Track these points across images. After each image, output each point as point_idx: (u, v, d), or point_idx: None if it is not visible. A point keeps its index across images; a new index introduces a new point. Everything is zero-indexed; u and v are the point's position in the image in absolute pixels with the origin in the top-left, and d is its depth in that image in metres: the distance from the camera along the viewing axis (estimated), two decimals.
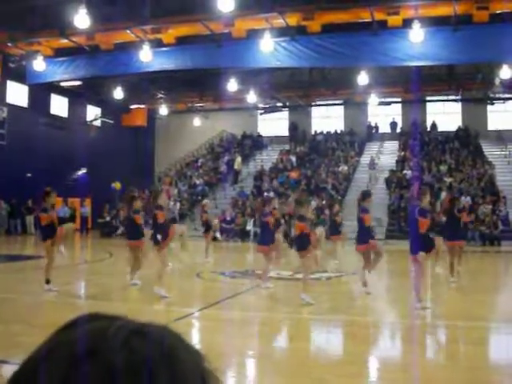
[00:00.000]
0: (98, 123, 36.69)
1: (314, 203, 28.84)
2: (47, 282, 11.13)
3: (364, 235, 11.41)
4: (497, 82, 28.35)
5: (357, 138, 38.37)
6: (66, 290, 11.40)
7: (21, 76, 26.44)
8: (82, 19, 20.10)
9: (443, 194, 27.56)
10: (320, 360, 6.88)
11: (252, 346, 7.57)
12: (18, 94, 30.21)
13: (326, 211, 27.89)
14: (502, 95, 32.61)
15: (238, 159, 36.09)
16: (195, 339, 7.55)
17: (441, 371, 6.29)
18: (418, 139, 33.32)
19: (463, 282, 12.89)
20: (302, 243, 10.33)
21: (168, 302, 10.39)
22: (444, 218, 13.44)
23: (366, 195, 11.98)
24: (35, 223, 28.06)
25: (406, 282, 13.67)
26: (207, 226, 18.24)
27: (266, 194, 30.88)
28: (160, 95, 34.60)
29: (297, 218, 10.49)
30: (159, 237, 10.74)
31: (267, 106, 36.94)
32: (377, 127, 39.09)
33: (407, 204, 26.94)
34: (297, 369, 6.27)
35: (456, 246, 12.98)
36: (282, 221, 26.42)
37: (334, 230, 17.56)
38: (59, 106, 33.56)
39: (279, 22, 21.21)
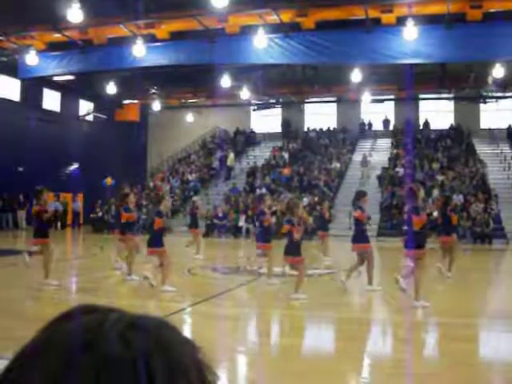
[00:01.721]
0: (90, 118, 36.61)
1: (305, 200, 28.97)
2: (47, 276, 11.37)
3: (360, 235, 11.46)
4: (489, 80, 28.45)
5: (349, 135, 38.42)
6: (59, 285, 11.36)
7: (13, 70, 26.33)
8: (75, 13, 20.04)
9: (435, 192, 27.68)
10: (311, 357, 6.89)
11: (243, 342, 7.58)
12: (10, 88, 30.08)
13: (318, 208, 28.03)
14: (494, 94, 32.73)
15: (231, 155, 36.09)
16: (187, 334, 7.53)
17: (432, 368, 6.31)
18: (410, 137, 33.38)
19: (455, 279, 12.93)
20: (295, 250, 10.35)
21: (160, 298, 10.39)
22: (436, 215, 13.57)
23: (360, 194, 12.04)
24: (27, 218, 28.04)
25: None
26: (195, 222, 18.27)
27: (258, 190, 30.93)
28: (153, 91, 34.55)
29: (287, 222, 10.53)
30: (159, 241, 10.97)
31: (260, 102, 36.94)
32: (370, 124, 39.13)
33: (399, 201, 27.06)
34: (287, 365, 6.29)
35: (448, 242, 13.22)
36: (274, 218, 26.53)
37: (322, 226, 17.54)
38: (52, 100, 33.44)
39: (273, 18, 21.20)
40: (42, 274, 11.36)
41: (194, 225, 18.32)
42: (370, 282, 11.40)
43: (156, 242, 11.01)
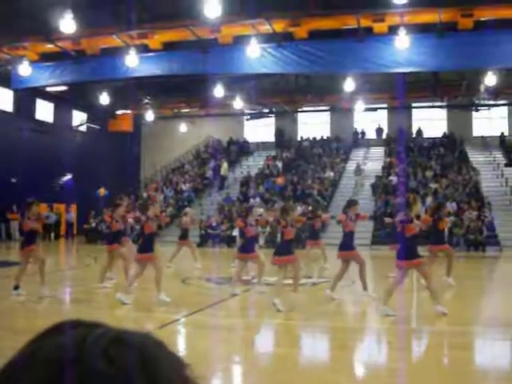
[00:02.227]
0: (83, 129, 36.56)
1: (299, 209, 28.97)
2: (16, 287, 11.39)
3: (344, 243, 11.49)
4: (482, 88, 28.56)
5: (343, 144, 38.51)
6: (51, 296, 11.30)
7: (6, 81, 26.30)
8: (67, 24, 20.05)
9: (429, 200, 27.75)
10: (306, 367, 6.87)
11: (237, 353, 7.55)
12: (2, 98, 30.03)
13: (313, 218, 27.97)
14: (486, 102, 32.87)
15: (225, 165, 36.08)
16: (180, 345, 7.51)
17: (428, 376, 6.30)
18: (403, 145, 33.48)
19: (449, 287, 12.93)
20: (286, 250, 10.39)
21: (153, 309, 10.36)
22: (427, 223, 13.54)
23: (350, 203, 12.09)
24: (19, 230, 27.95)
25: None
26: (185, 233, 18.16)
27: (251, 200, 30.93)
28: (146, 101, 34.54)
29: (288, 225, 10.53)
30: (149, 246, 10.87)
31: (253, 112, 36.97)
32: (363, 133, 39.24)
33: (393, 210, 27.07)
34: (282, 375, 6.26)
35: (437, 252, 13.22)
36: (268, 228, 26.48)
37: (312, 235, 17.44)
38: (45, 111, 33.39)
39: (266, 28, 21.25)
40: (32, 286, 11.35)
41: (183, 236, 18.23)
42: (364, 288, 11.41)
43: (146, 247, 10.87)
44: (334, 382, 6.07)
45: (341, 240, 11.65)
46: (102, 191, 32.44)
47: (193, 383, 0.69)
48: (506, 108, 35.89)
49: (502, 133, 35.88)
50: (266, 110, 36.91)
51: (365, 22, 20.44)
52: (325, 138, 39.68)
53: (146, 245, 10.89)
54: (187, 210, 20.10)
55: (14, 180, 28.65)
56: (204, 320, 9.54)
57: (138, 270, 10.92)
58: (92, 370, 0.62)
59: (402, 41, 19.84)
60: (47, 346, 0.67)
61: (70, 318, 0.72)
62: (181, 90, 31.09)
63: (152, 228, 11.07)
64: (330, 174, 34.12)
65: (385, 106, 35.94)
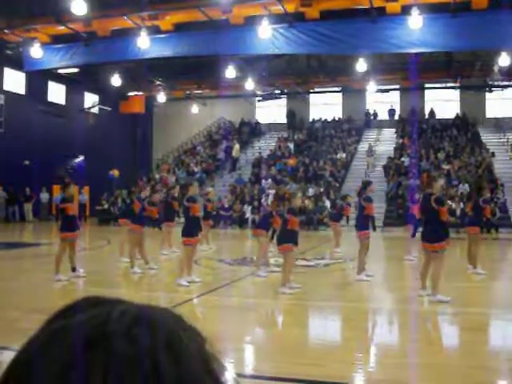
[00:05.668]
0: (95, 110, 36.59)
1: (311, 190, 28.98)
2: (73, 269, 11.48)
3: (364, 222, 11.48)
4: (495, 69, 28.31)
5: (355, 125, 38.36)
6: (66, 280, 11.40)
7: (18, 63, 26.34)
8: (79, 6, 20.02)
9: (441, 182, 27.56)
10: (318, 346, 6.91)
11: (249, 332, 7.60)
12: (15, 81, 30.07)
13: (324, 198, 27.97)
14: (500, 83, 32.57)
15: (236, 146, 36.06)
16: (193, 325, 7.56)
17: (439, 357, 6.32)
18: (416, 126, 33.30)
19: (460, 269, 12.92)
20: (287, 238, 10.12)
21: (166, 289, 10.44)
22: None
23: (366, 184, 12.03)
24: (34, 211, 28.19)
25: (403, 268, 13.72)
26: (207, 214, 17.77)
27: (263, 181, 30.96)
28: (158, 82, 34.50)
29: (287, 211, 10.28)
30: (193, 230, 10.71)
31: (265, 93, 36.84)
32: (375, 114, 39.06)
33: (405, 191, 27.01)
34: (294, 355, 6.30)
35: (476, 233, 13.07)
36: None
37: (334, 216, 17.49)
38: (57, 93, 33.43)
39: (277, 8, 21.12)
40: (47, 268, 11.45)
41: (207, 217, 17.77)
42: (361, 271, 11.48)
43: (192, 230, 10.65)
44: (346, 361, 6.11)
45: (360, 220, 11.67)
46: (117, 172, 32.54)
47: (212, 356, 0.69)
48: None
49: None
50: (278, 91, 36.79)
51: (377, 2, 20.26)
52: (337, 119, 39.55)
53: (192, 228, 10.68)
54: (210, 189, 19.99)
55: (26, 162, 28.79)
56: (216, 300, 9.60)
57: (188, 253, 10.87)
58: (115, 352, 0.62)
59: (415, 21, 19.66)
60: (66, 327, 0.65)
61: (88, 296, 0.71)
62: (192, 72, 31.00)
63: (198, 210, 10.92)
64: (341, 155, 34.04)
65: (397, 86, 35.73)
